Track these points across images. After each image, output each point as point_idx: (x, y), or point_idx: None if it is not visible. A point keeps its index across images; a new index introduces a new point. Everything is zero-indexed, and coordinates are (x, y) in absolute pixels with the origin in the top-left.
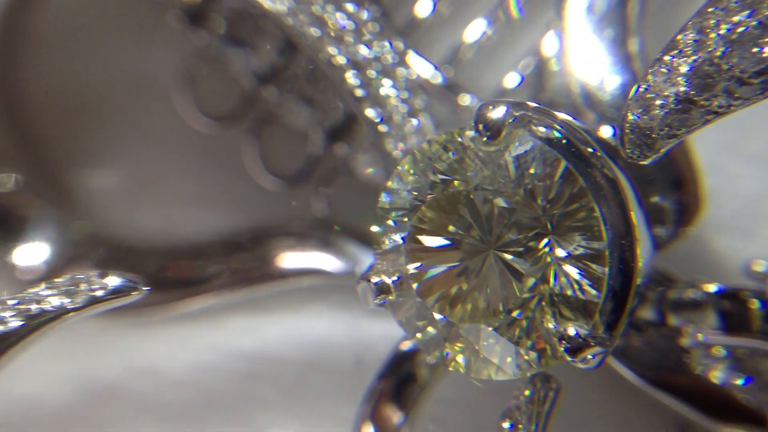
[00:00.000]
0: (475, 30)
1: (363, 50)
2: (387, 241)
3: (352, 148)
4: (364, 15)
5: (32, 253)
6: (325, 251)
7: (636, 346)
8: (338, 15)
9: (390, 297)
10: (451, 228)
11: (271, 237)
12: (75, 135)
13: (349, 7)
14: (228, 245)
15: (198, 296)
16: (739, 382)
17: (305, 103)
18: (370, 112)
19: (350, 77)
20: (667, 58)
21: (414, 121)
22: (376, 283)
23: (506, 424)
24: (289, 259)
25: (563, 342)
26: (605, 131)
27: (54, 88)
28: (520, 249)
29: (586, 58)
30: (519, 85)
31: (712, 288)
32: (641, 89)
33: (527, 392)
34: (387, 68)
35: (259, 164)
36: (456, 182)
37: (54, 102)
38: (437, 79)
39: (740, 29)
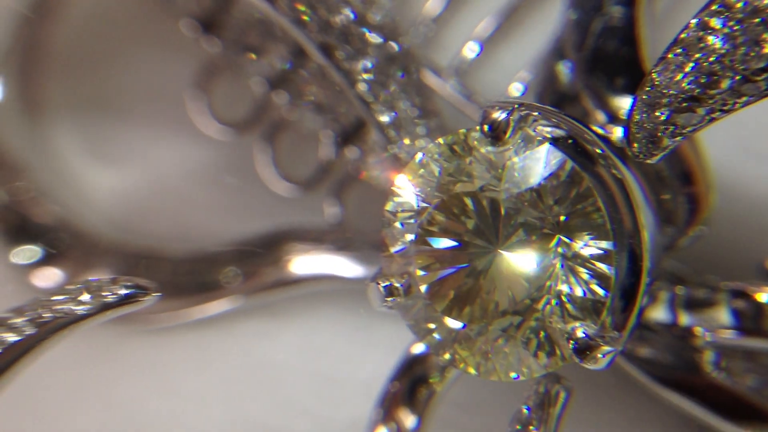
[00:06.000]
0: (481, 31)
1: (371, 55)
2: (395, 244)
3: (363, 151)
4: (372, 20)
5: (48, 260)
6: (339, 256)
7: (647, 346)
8: (345, 20)
9: (399, 299)
10: (458, 229)
11: (285, 242)
12: (91, 143)
13: (357, 11)
14: (241, 251)
15: (212, 302)
16: (752, 382)
17: (316, 109)
18: (378, 116)
19: (359, 82)
20: (671, 56)
21: (423, 125)
22: (385, 286)
23: (517, 427)
24: (303, 264)
25: (572, 342)
26: (613, 131)
27: (70, 98)
28: (528, 249)
29: (592, 58)
30: (526, 88)
31: (724, 287)
32: (646, 88)
33: (538, 393)
34: (395, 71)
35: (272, 170)
36: (463, 183)
37: (70, 111)
38: (446, 81)
39: (743, 26)
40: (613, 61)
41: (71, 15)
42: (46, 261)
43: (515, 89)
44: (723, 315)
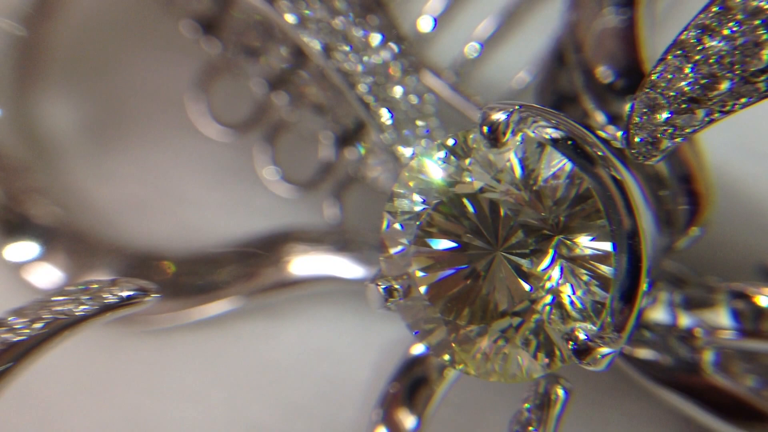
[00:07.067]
0: (481, 32)
1: (371, 56)
2: (395, 245)
3: (362, 152)
4: (372, 21)
5: (48, 260)
6: (339, 257)
7: (646, 347)
8: (345, 21)
9: (398, 300)
10: (458, 230)
11: (285, 243)
12: (92, 144)
13: (357, 12)
14: (241, 252)
15: (212, 303)
16: (752, 382)
17: (316, 110)
18: (378, 118)
19: (359, 83)
20: (670, 58)
21: (423, 126)
22: (384, 288)
23: (516, 427)
24: (303, 265)
25: (571, 343)
26: (613, 132)
27: (70, 98)
28: (527, 250)
29: (594, 58)
30: (526, 87)
31: (724, 288)
32: (646, 89)
33: (537, 394)
34: (395, 73)
35: (272, 170)
36: (462, 185)
37: (70, 111)
38: (446, 82)
39: (743, 28)
40: (613, 62)
41: (71, 16)
42: (45, 261)
43: (515, 90)
44: (723, 316)
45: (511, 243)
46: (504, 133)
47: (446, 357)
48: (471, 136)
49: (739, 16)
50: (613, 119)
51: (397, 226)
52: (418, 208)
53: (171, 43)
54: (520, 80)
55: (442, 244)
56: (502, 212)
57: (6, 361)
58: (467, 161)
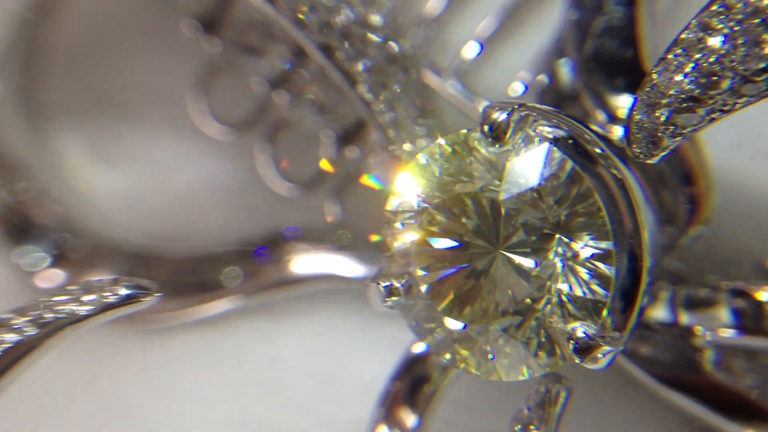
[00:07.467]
0: (481, 31)
1: (372, 55)
2: (396, 244)
3: (363, 151)
4: (372, 20)
5: (50, 261)
6: (340, 255)
7: (647, 345)
8: (345, 20)
9: (399, 299)
10: (458, 230)
11: (285, 242)
12: (92, 143)
13: (357, 11)
14: (242, 251)
15: (212, 302)
16: (752, 381)
17: (317, 109)
18: (379, 116)
19: (359, 82)
20: (671, 56)
21: (423, 125)
22: (385, 287)
23: (518, 426)
24: (304, 263)
25: (572, 342)
26: (614, 131)
27: (71, 98)
28: (528, 249)
29: (593, 58)
30: (527, 88)
31: (724, 286)
32: (646, 88)
33: (538, 393)
34: (395, 72)
35: (273, 170)
36: (463, 184)
37: (71, 111)
38: (446, 81)
39: (743, 27)
40: (613, 61)
41: (71, 15)
42: (48, 262)
43: (515, 89)
44: (723, 314)
45: (512, 242)
46: (505, 132)
47: (447, 356)
48: (472, 135)
49: (739, 16)
50: (614, 118)
51: (398, 224)
52: (419, 207)
53: (171, 43)
54: (521, 79)
55: (443, 243)
56: (503, 211)
57: (7, 361)
58: (468, 160)
